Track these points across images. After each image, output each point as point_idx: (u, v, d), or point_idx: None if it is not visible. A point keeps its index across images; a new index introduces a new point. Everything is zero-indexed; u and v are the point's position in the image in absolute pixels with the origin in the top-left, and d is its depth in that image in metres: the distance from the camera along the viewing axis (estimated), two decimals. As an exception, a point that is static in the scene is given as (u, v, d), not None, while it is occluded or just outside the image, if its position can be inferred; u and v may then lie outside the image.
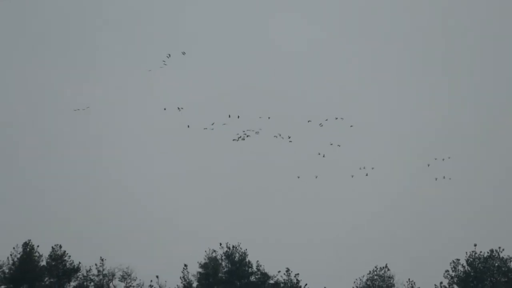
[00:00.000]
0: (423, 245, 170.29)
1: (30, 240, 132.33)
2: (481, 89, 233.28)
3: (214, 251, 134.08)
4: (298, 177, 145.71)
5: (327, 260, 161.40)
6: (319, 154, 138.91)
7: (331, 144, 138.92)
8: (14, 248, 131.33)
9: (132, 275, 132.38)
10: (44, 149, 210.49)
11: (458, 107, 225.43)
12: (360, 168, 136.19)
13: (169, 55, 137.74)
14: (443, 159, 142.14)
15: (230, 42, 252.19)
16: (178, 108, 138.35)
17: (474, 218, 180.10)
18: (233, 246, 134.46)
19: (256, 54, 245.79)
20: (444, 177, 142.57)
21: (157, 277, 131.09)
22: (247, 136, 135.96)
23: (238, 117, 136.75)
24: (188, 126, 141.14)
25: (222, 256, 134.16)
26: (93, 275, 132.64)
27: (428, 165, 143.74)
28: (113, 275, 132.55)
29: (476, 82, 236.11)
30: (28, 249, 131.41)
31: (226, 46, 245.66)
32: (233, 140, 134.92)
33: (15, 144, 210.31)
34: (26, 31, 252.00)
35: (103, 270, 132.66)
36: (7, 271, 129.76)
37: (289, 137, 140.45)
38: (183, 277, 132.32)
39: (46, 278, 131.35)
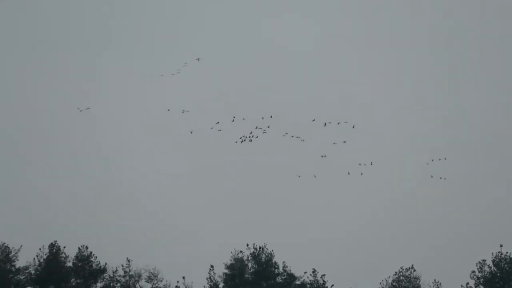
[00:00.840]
0: (423, 245, 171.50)
1: (56, 241, 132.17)
2: (481, 89, 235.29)
3: (241, 251, 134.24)
4: (299, 176, 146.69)
5: (327, 260, 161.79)
6: (322, 156, 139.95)
7: (335, 143, 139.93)
8: (40, 249, 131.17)
9: (159, 276, 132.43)
10: (44, 149, 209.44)
11: (458, 107, 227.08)
12: (360, 164, 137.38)
13: (186, 63, 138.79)
14: (439, 159, 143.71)
15: (230, 42, 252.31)
16: (183, 111, 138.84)
17: (474, 218, 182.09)
18: (259, 247, 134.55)
19: (256, 54, 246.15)
20: (440, 178, 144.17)
21: (183, 278, 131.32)
22: (253, 136, 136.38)
23: (243, 119, 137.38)
24: (192, 132, 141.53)
25: (248, 257, 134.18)
26: (120, 276, 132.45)
27: (427, 164, 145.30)
28: (140, 276, 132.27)
29: (476, 83, 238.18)
30: (54, 250, 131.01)
31: (226, 46, 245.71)
32: (235, 142, 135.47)
33: (15, 145, 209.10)
34: (26, 31, 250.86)
35: (130, 271, 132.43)
36: (33, 272, 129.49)
37: (299, 137, 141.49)
38: (209, 277, 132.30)
39: (73, 279, 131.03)
